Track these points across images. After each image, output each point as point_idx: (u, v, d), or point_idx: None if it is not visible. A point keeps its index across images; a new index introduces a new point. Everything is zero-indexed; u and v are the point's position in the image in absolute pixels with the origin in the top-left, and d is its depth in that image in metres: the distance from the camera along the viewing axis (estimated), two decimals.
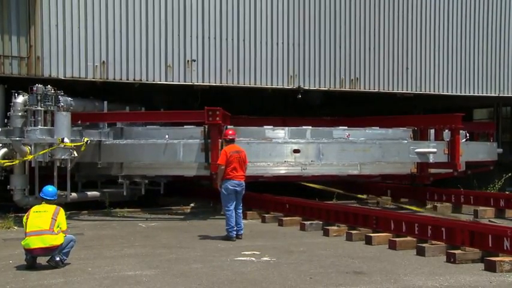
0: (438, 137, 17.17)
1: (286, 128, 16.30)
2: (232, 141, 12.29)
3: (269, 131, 16.05)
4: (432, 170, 17.27)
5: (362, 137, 16.46)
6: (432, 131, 17.35)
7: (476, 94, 20.46)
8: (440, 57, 19.85)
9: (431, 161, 16.54)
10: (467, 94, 20.35)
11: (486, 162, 19.44)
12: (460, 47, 20.11)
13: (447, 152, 16.60)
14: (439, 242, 10.36)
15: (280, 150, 15.46)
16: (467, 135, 19.21)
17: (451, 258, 9.59)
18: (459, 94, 20.25)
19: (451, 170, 17.14)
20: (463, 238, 10.05)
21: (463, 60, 20.16)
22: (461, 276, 8.65)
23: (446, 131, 17.13)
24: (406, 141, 16.79)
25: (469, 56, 20.24)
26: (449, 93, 20.11)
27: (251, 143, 15.12)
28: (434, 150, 16.43)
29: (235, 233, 11.76)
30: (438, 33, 19.80)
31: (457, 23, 20.05)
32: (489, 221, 14.20)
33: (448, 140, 16.94)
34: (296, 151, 15.48)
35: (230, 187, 11.85)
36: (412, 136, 17.22)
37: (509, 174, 19.94)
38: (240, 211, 12.03)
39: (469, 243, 9.91)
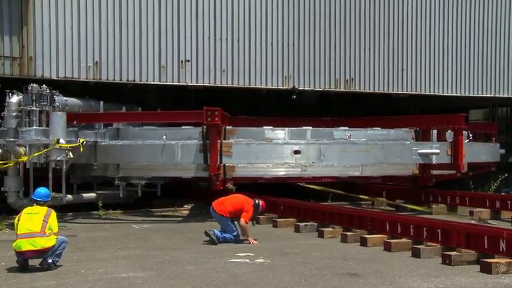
0: (441, 138, 17.00)
1: (286, 128, 16.06)
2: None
3: (269, 131, 15.83)
4: (434, 172, 17.10)
5: (363, 138, 16.25)
6: (434, 132, 17.20)
7: (472, 95, 20.47)
8: (436, 58, 19.86)
9: (434, 162, 16.34)
10: (463, 95, 20.36)
11: (488, 163, 19.24)
12: (456, 47, 20.13)
13: (450, 153, 16.42)
14: (434, 244, 10.33)
15: (280, 151, 15.26)
16: (470, 135, 19.06)
17: (446, 260, 9.56)
18: (455, 95, 20.25)
19: (454, 171, 16.96)
20: (458, 240, 10.01)
21: (458, 61, 20.17)
22: (456, 278, 8.61)
23: (449, 131, 17.00)
24: (408, 142, 16.60)
25: (465, 57, 20.26)
26: (445, 94, 20.11)
27: (250, 144, 14.99)
28: (437, 151, 16.23)
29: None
30: (434, 34, 19.80)
31: (453, 24, 20.06)
32: (485, 222, 14.18)
33: (451, 140, 16.76)
34: (296, 152, 15.28)
35: None
36: (414, 137, 17.04)
37: (505, 175, 19.93)
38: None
39: (464, 244, 9.87)
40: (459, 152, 16.40)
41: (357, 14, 18.80)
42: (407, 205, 16.47)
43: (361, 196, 17.51)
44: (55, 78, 15.49)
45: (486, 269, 8.94)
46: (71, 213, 15.23)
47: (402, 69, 19.42)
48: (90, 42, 15.86)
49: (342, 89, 18.76)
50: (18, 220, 9.20)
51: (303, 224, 13.18)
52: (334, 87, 18.62)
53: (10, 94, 14.29)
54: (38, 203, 9.45)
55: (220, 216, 11.79)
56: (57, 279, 8.51)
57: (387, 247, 10.77)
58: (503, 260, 9.00)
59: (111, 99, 17.26)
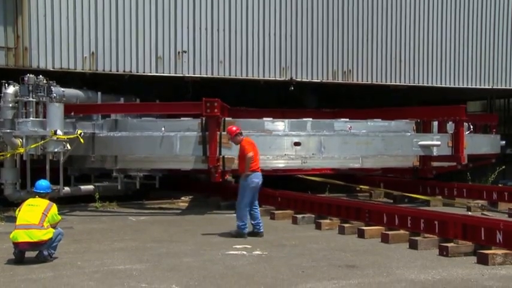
0: (442, 130, 16.89)
1: (286, 120, 15.88)
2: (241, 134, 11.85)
3: (268, 123, 15.65)
4: (434, 163, 16.99)
5: (364, 130, 16.07)
6: (435, 123, 17.07)
7: (470, 86, 20.43)
8: (434, 50, 19.79)
9: (435, 154, 16.20)
10: (461, 86, 20.32)
11: (488, 155, 19.08)
12: (454, 39, 20.07)
13: (451, 145, 16.28)
14: (431, 235, 10.34)
15: (281, 143, 15.06)
16: (471, 127, 18.94)
17: (443, 252, 9.57)
18: (453, 86, 20.21)
19: (454, 163, 16.82)
20: (455, 231, 10.03)
21: (456, 53, 20.12)
22: (453, 270, 8.63)
23: (450, 123, 16.87)
24: (409, 134, 16.45)
25: (463, 48, 20.20)
26: (443, 86, 20.06)
27: (250, 136, 14.64)
28: (438, 143, 16.07)
29: (247, 229, 11.36)
30: (432, 25, 19.74)
31: (451, 15, 20.00)
32: (482, 213, 14.20)
33: (451, 132, 16.64)
34: (297, 144, 15.08)
35: (256, 180, 11.38)
36: (414, 128, 16.90)
37: (503, 167, 19.92)
38: (257, 206, 11.61)
39: (461, 236, 9.89)
40: (460, 143, 16.24)
41: (354, 5, 18.72)
42: (408, 194, 16.35)
43: (361, 186, 17.45)
44: (51, 69, 15.34)
45: (483, 260, 8.95)
46: (67, 205, 15.14)
47: (400, 61, 19.35)
48: (86, 32, 15.71)
49: (340, 81, 18.69)
50: (19, 211, 9.20)
51: (300, 216, 13.16)
52: (332, 79, 18.54)
53: (6, 85, 14.11)
54: (40, 195, 9.43)
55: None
56: (54, 271, 8.49)
57: (385, 239, 10.76)
58: (499, 251, 9.02)
59: (107, 92, 17.11)
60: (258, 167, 11.52)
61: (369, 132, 16.04)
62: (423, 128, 16.94)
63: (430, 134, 16.71)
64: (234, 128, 11.94)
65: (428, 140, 16.20)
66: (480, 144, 18.39)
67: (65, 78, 15.92)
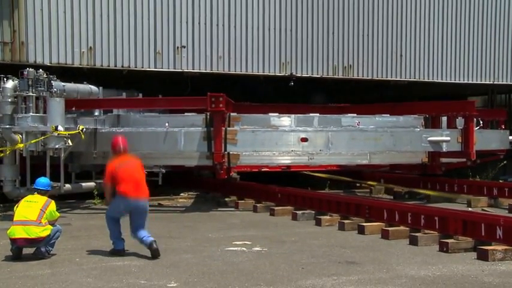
0: (451, 125, 16.62)
1: (293, 115, 15.59)
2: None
3: (274, 118, 15.37)
4: (443, 160, 16.80)
5: (372, 125, 15.74)
6: (444, 119, 16.84)
7: (471, 82, 20.39)
8: (435, 45, 19.76)
9: (444, 150, 15.84)
10: (462, 82, 20.27)
11: (497, 151, 18.65)
12: (455, 34, 20.04)
13: (460, 141, 15.92)
14: (432, 231, 10.30)
15: (287, 139, 14.63)
16: (481, 122, 18.74)
17: (443, 248, 9.54)
18: (454, 82, 20.18)
19: (463, 159, 16.55)
20: (456, 227, 9.99)
21: (457, 48, 20.08)
22: (453, 265, 8.59)
23: (460, 118, 16.61)
24: (418, 129, 16.11)
25: (464, 44, 20.16)
26: (444, 81, 20.04)
27: (256, 131, 14.46)
28: (448, 138, 15.65)
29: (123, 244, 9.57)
30: (433, 21, 19.71)
31: (452, 11, 19.96)
32: (482, 209, 14.17)
33: (461, 127, 16.33)
34: (304, 140, 14.65)
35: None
36: (423, 124, 16.62)
37: (504, 163, 19.86)
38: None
39: (461, 232, 9.86)
40: (470, 139, 15.88)
41: (355, 0, 18.67)
42: (409, 188, 16.22)
43: (369, 182, 17.33)
44: (48, 64, 15.25)
45: (483, 256, 8.92)
46: (65, 202, 15.07)
47: (401, 56, 19.32)
48: (84, 27, 15.64)
49: (340, 76, 18.65)
50: (17, 207, 9.17)
51: (300, 212, 13.11)
52: (332, 74, 18.51)
53: (5, 79, 13.89)
54: (40, 192, 9.39)
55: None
56: (52, 268, 8.45)
57: (385, 235, 10.73)
58: (499, 247, 8.99)
59: (105, 87, 16.99)
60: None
61: (377, 127, 15.63)
62: (432, 123, 16.61)
63: (440, 129, 16.36)
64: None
65: (438, 136, 15.75)
66: (489, 139, 17.86)
67: (61, 72, 15.82)
